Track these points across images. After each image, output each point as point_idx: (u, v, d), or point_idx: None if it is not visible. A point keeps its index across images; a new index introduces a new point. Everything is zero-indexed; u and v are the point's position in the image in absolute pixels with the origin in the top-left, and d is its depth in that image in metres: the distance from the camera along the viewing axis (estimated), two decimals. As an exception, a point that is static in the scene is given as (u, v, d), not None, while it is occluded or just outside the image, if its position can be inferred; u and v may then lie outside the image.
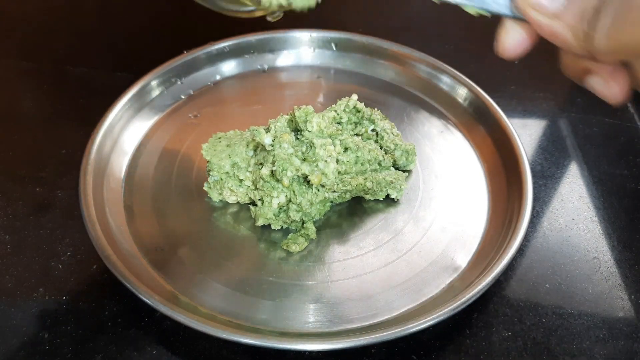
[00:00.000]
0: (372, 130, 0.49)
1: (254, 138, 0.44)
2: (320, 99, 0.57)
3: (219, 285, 0.41)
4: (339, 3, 0.77)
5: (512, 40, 0.27)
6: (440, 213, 0.46)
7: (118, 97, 0.51)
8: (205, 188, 0.46)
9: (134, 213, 0.45)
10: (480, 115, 0.53)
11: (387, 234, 0.45)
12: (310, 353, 0.38)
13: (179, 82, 0.56)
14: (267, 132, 0.43)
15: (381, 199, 0.47)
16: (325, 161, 0.42)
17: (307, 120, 0.43)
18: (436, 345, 0.39)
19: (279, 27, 0.60)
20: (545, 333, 0.40)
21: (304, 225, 0.44)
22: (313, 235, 0.44)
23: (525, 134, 0.56)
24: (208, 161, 0.46)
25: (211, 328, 0.35)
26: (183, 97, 0.56)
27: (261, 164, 0.43)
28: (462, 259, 0.43)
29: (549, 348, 0.39)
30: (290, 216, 0.43)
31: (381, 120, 0.50)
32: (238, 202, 0.46)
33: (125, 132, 0.51)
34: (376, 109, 0.50)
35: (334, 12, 0.75)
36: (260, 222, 0.44)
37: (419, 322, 0.36)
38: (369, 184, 0.44)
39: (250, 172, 0.44)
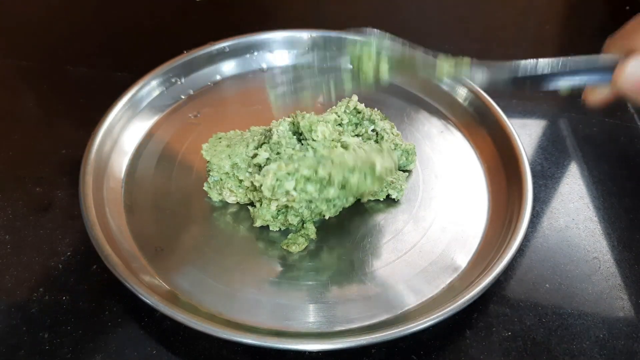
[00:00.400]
0: (372, 130, 0.49)
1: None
2: (320, 99, 0.57)
3: (219, 285, 0.41)
4: (339, 3, 0.77)
5: (600, 98, 0.37)
6: (440, 213, 0.46)
7: (118, 97, 0.51)
8: (205, 188, 0.46)
9: (134, 213, 0.45)
10: (480, 115, 0.53)
11: (387, 234, 0.45)
12: (310, 353, 0.38)
13: (179, 82, 0.56)
14: (261, 147, 0.43)
15: (381, 199, 0.47)
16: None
17: (312, 130, 0.43)
18: (436, 345, 0.39)
19: (279, 27, 0.60)
20: (545, 333, 0.40)
21: (304, 225, 0.44)
22: (313, 235, 0.44)
23: (525, 134, 0.56)
24: (208, 161, 0.46)
25: (211, 328, 0.35)
26: (183, 97, 0.56)
27: (260, 164, 0.43)
28: (462, 259, 0.43)
29: (549, 348, 0.39)
30: (288, 220, 0.43)
31: (381, 120, 0.50)
32: (238, 203, 0.46)
33: (125, 132, 0.51)
34: (376, 109, 0.50)
35: (334, 12, 0.75)
36: (258, 224, 0.44)
37: (419, 322, 0.36)
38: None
39: (250, 172, 0.44)
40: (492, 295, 0.42)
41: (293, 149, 0.42)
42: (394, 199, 0.47)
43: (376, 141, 0.49)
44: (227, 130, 0.48)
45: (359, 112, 0.48)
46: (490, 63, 0.37)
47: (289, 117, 0.45)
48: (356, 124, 0.49)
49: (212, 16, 0.71)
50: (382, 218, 0.46)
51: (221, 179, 0.45)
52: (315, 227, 0.44)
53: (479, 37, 0.71)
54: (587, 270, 0.44)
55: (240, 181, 0.45)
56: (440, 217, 0.46)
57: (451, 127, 0.54)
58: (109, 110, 0.50)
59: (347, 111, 0.48)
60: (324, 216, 0.43)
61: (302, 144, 0.43)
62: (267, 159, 0.43)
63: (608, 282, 0.43)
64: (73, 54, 0.64)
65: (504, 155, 0.49)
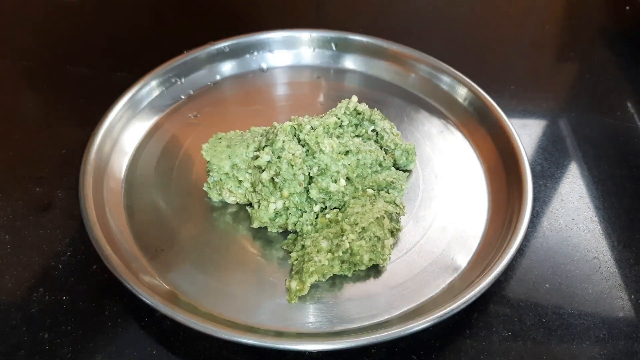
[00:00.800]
0: (372, 130, 0.49)
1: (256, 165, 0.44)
2: (320, 99, 0.57)
3: (219, 285, 0.41)
4: (339, 3, 0.77)
5: None
6: (440, 213, 0.46)
7: (118, 97, 0.51)
8: (205, 188, 0.46)
9: (134, 213, 0.45)
10: (480, 115, 0.53)
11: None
12: (310, 353, 0.38)
13: (179, 82, 0.56)
14: (263, 149, 0.44)
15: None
16: (335, 181, 0.43)
17: (318, 142, 0.43)
18: (436, 345, 0.39)
19: (279, 27, 0.60)
20: (545, 333, 0.40)
21: (302, 229, 0.44)
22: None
23: (525, 134, 0.56)
24: (208, 161, 0.46)
25: (211, 328, 0.35)
26: (183, 97, 0.56)
27: (261, 167, 0.43)
28: (462, 259, 0.43)
29: (549, 348, 0.39)
30: (287, 223, 0.43)
31: (381, 120, 0.50)
32: (237, 203, 0.46)
33: (125, 132, 0.51)
34: (376, 109, 0.50)
35: (334, 12, 0.75)
36: (255, 225, 0.44)
37: (419, 322, 0.36)
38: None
39: (250, 173, 0.45)
40: (492, 295, 0.42)
41: (293, 154, 0.42)
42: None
43: (376, 141, 0.49)
44: (227, 130, 0.49)
45: (359, 113, 0.48)
46: None
47: (290, 120, 0.45)
48: (356, 125, 0.49)
49: (212, 16, 0.71)
50: (382, 218, 0.46)
51: (221, 180, 0.45)
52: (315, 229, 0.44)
53: (479, 37, 0.71)
54: (587, 270, 0.44)
55: (240, 182, 0.45)
56: (440, 217, 0.46)
57: (451, 126, 0.54)
58: (109, 110, 0.50)
59: (347, 112, 0.48)
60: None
61: (307, 154, 0.44)
62: (268, 161, 0.43)
63: (608, 282, 0.43)
64: (73, 54, 0.64)
65: (504, 155, 0.49)
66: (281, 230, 0.44)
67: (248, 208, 0.45)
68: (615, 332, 0.40)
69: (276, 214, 0.43)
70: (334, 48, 0.60)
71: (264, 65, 0.60)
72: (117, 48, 0.66)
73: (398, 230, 0.44)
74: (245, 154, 0.45)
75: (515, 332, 0.40)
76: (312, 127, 0.45)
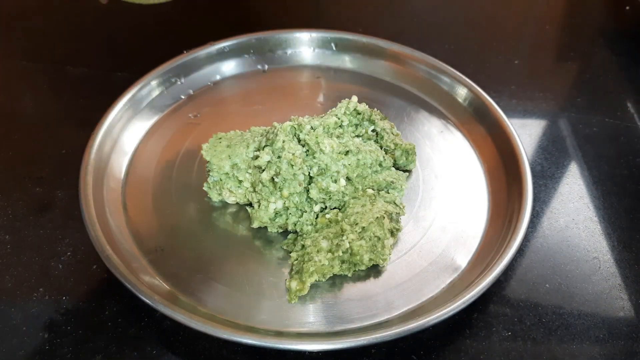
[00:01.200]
0: (372, 130, 0.49)
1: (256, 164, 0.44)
2: (320, 99, 0.57)
3: (219, 285, 0.41)
4: (339, 3, 0.77)
5: None
6: (440, 213, 0.46)
7: (118, 97, 0.51)
8: (205, 188, 0.46)
9: (134, 213, 0.45)
10: (480, 115, 0.53)
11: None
12: (310, 353, 0.38)
13: (179, 82, 0.56)
14: (263, 149, 0.44)
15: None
16: (335, 181, 0.43)
17: (318, 142, 0.43)
18: (436, 345, 0.39)
19: (279, 27, 0.60)
20: (545, 333, 0.40)
21: (302, 228, 0.44)
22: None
23: (525, 134, 0.56)
24: (208, 161, 0.46)
25: (211, 328, 0.35)
26: (183, 97, 0.56)
27: (261, 167, 0.43)
28: (462, 259, 0.43)
29: (549, 348, 0.39)
30: (287, 223, 0.43)
31: (381, 120, 0.50)
32: (237, 203, 0.46)
33: (125, 132, 0.51)
34: (376, 109, 0.50)
35: (334, 12, 0.75)
36: (255, 225, 0.44)
37: (419, 322, 0.36)
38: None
39: (250, 173, 0.45)
40: (492, 295, 0.42)
41: (293, 154, 0.42)
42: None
43: (376, 141, 0.49)
44: (227, 130, 0.48)
45: (359, 113, 0.48)
46: None
47: (290, 120, 0.45)
48: (356, 125, 0.49)
49: (212, 16, 0.71)
50: (382, 218, 0.46)
51: (221, 179, 0.45)
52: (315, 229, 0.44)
53: (479, 37, 0.71)
54: (587, 270, 0.44)
55: (240, 182, 0.45)
56: (440, 217, 0.46)
57: (451, 126, 0.54)
58: (109, 110, 0.50)
59: (347, 112, 0.48)
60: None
61: (307, 154, 0.44)
62: (268, 161, 0.43)
63: (608, 282, 0.43)
64: (73, 54, 0.64)
65: (504, 155, 0.49)
66: (281, 230, 0.44)
67: (248, 208, 0.45)
68: (615, 332, 0.40)
69: (276, 214, 0.43)
70: (334, 48, 0.60)
71: (264, 66, 0.60)
72: (117, 48, 0.66)
73: (398, 230, 0.44)
74: (245, 154, 0.45)
75: (515, 332, 0.40)
76: (312, 127, 0.45)
